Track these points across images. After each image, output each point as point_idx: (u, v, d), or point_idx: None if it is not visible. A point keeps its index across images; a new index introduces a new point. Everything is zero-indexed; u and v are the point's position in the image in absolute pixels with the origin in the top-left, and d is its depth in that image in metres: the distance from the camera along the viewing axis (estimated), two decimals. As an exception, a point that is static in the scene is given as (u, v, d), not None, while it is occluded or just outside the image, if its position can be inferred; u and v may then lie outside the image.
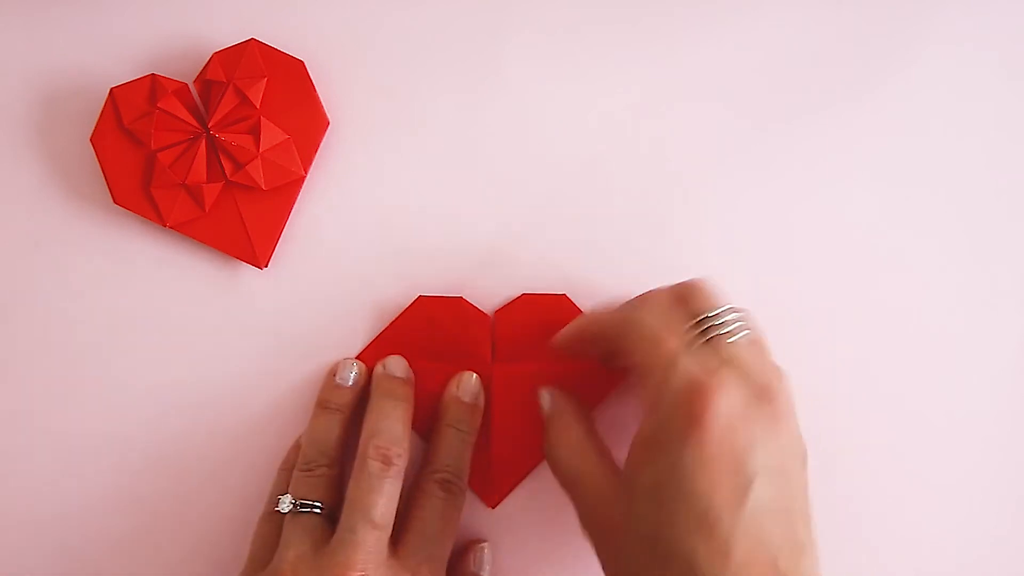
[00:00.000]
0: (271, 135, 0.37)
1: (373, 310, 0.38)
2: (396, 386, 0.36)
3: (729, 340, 0.30)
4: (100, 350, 0.38)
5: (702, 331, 0.30)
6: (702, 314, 0.31)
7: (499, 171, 0.39)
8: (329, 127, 0.38)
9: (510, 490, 0.38)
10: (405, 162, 0.39)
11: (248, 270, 0.38)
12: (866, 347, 0.39)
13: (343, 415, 0.36)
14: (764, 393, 0.29)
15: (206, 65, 0.37)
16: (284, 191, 0.38)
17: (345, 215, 0.39)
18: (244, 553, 0.35)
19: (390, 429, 0.34)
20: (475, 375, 0.37)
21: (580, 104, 0.39)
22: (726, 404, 0.28)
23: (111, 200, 0.37)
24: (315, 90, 0.38)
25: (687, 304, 0.32)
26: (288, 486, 0.35)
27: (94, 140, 0.37)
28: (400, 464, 0.33)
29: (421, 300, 0.38)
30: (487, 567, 0.37)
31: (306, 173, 0.38)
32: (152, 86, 0.37)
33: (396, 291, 0.38)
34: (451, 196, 0.39)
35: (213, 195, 0.37)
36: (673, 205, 0.39)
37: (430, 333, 0.38)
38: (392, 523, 0.33)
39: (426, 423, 0.37)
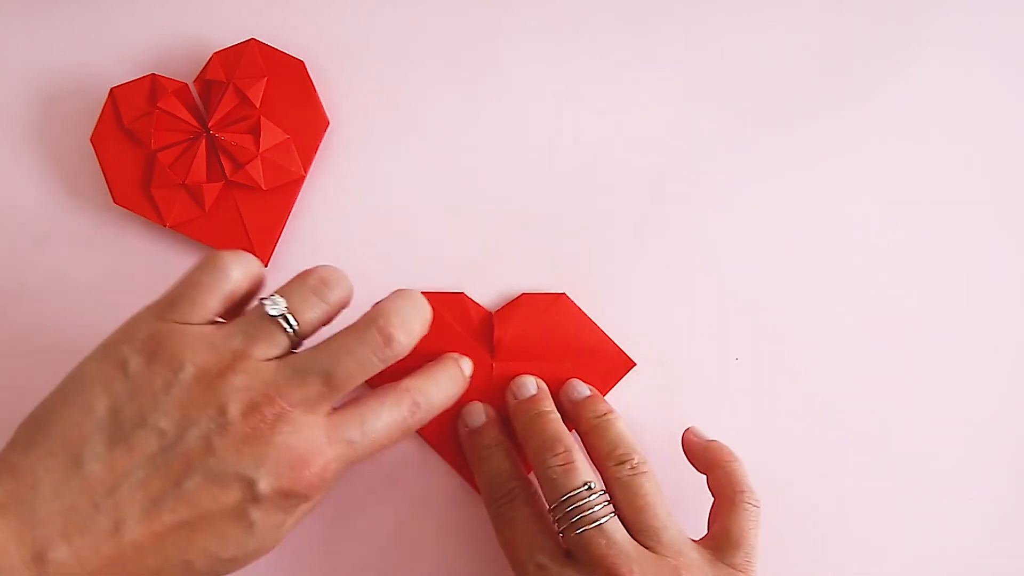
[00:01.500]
0: (271, 135, 0.37)
1: (373, 310, 0.38)
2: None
3: (581, 531, 0.31)
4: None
5: (560, 519, 0.32)
6: (558, 498, 0.32)
7: (499, 171, 0.39)
8: (329, 127, 0.38)
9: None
10: (405, 162, 0.39)
11: (248, 270, 0.38)
12: (866, 347, 0.39)
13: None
14: None
15: (206, 65, 0.37)
16: (284, 191, 0.38)
17: (345, 215, 0.39)
18: None
19: (408, 318, 0.31)
20: None
21: (580, 104, 0.39)
22: None
23: (111, 200, 0.37)
24: (315, 90, 0.38)
25: (547, 472, 0.33)
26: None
27: (94, 140, 0.37)
28: (402, 347, 0.31)
29: (421, 298, 0.38)
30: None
31: (306, 173, 0.38)
32: (152, 86, 0.37)
33: (396, 291, 0.38)
34: (451, 196, 0.39)
35: (213, 195, 0.37)
36: (673, 205, 0.39)
37: (431, 331, 0.37)
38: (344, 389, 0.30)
39: (430, 426, 0.37)
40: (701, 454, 0.35)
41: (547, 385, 0.37)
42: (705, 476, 0.35)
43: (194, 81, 0.38)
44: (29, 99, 0.39)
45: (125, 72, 0.38)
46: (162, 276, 0.38)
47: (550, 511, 0.33)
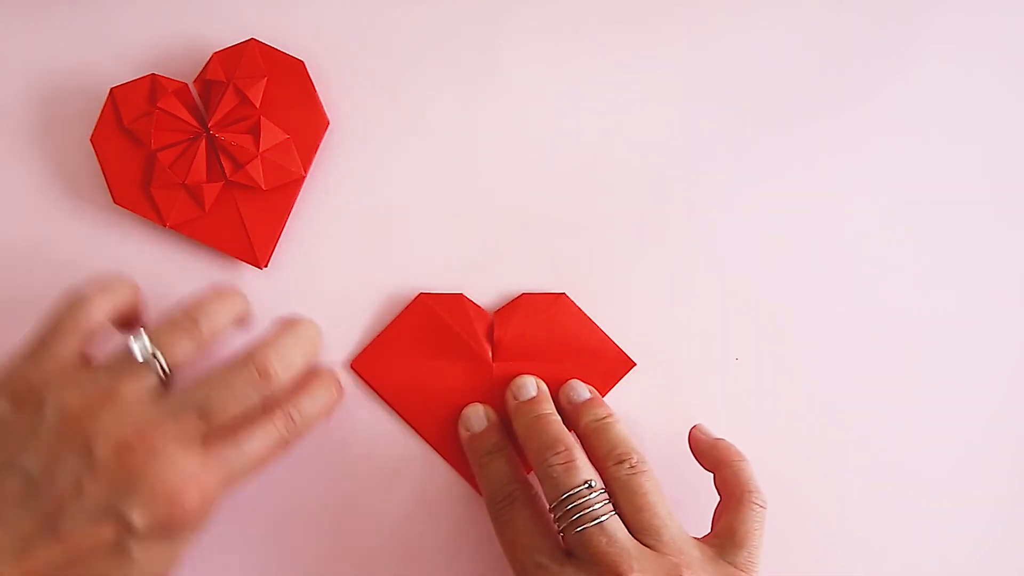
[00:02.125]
0: (271, 135, 0.37)
1: (373, 310, 0.38)
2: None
3: (581, 528, 0.32)
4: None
5: (560, 517, 0.32)
6: (559, 497, 0.32)
7: (499, 171, 0.39)
8: (329, 127, 0.38)
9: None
10: (405, 162, 0.39)
11: (248, 270, 0.38)
12: (865, 347, 0.39)
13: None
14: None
15: (206, 65, 0.37)
16: (284, 191, 0.38)
17: (345, 215, 0.39)
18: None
19: (287, 354, 0.32)
20: None
21: (580, 104, 0.39)
22: None
23: (111, 200, 0.37)
24: (315, 90, 0.38)
25: (548, 472, 0.33)
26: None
27: (94, 140, 0.37)
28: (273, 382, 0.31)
29: (422, 297, 0.38)
30: None
31: (306, 173, 0.38)
32: (152, 86, 0.37)
33: (396, 291, 0.38)
34: (451, 196, 0.39)
35: (213, 195, 0.37)
36: (672, 205, 0.39)
37: (431, 332, 0.38)
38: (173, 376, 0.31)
39: (432, 427, 0.37)
40: (708, 452, 0.35)
41: (547, 385, 0.37)
42: (712, 474, 0.35)
43: (194, 81, 0.38)
44: (29, 99, 0.39)
45: (125, 72, 0.38)
46: (162, 276, 0.38)
47: (551, 510, 0.33)
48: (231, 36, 0.38)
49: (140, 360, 0.30)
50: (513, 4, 0.39)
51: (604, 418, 0.35)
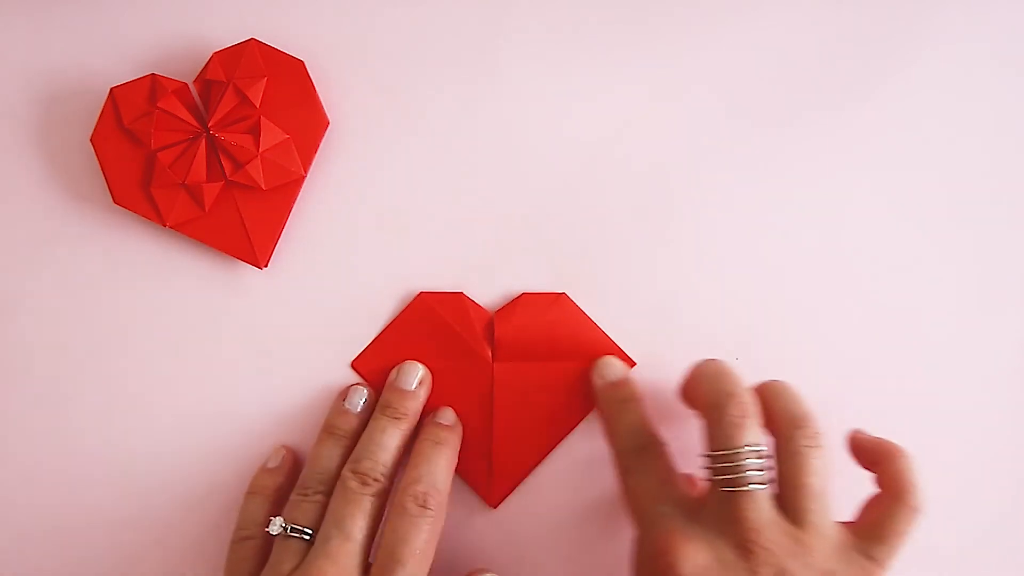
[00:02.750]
0: (271, 135, 0.37)
1: (373, 309, 0.38)
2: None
3: (730, 489, 0.31)
4: (100, 350, 0.38)
5: (715, 469, 0.32)
6: (721, 449, 0.32)
7: (499, 171, 0.39)
8: (329, 127, 0.38)
9: (511, 490, 0.38)
10: (405, 162, 0.39)
11: (248, 270, 0.38)
12: (866, 347, 0.39)
13: (348, 442, 0.36)
14: (741, 549, 0.30)
15: (206, 65, 0.37)
16: (284, 191, 0.38)
17: (345, 215, 0.39)
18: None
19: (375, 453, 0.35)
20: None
21: (580, 104, 0.39)
22: (691, 565, 0.30)
23: (111, 200, 0.37)
24: (315, 90, 0.38)
25: (719, 421, 0.32)
26: (261, 511, 0.36)
27: (94, 140, 0.37)
28: (380, 483, 0.34)
29: (422, 297, 0.38)
30: None
31: (306, 173, 0.38)
32: (152, 86, 0.37)
33: (396, 291, 0.38)
34: (451, 196, 0.39)
35: (213, 195, 0.37)
36: (672, 204, 0.39)
37: (431, 331, 0.38)
38: (369, 538, 0.33)
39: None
40: (870, 448, 0.34)
41: (547, 385, 0.37)
42: (871, 472, 0.34)
43: (194, 81, 0.38)
44: (29, 99, 0.39)
45: (125, 72, 0.38)
46: (162, 276, 0.38)
47: (708, 457, 0.32)
48: (231, 36, 0.38)
49: (280, 538, 0.34)
50: (513, 4, 0.39)
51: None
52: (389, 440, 0.35)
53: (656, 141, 0.39)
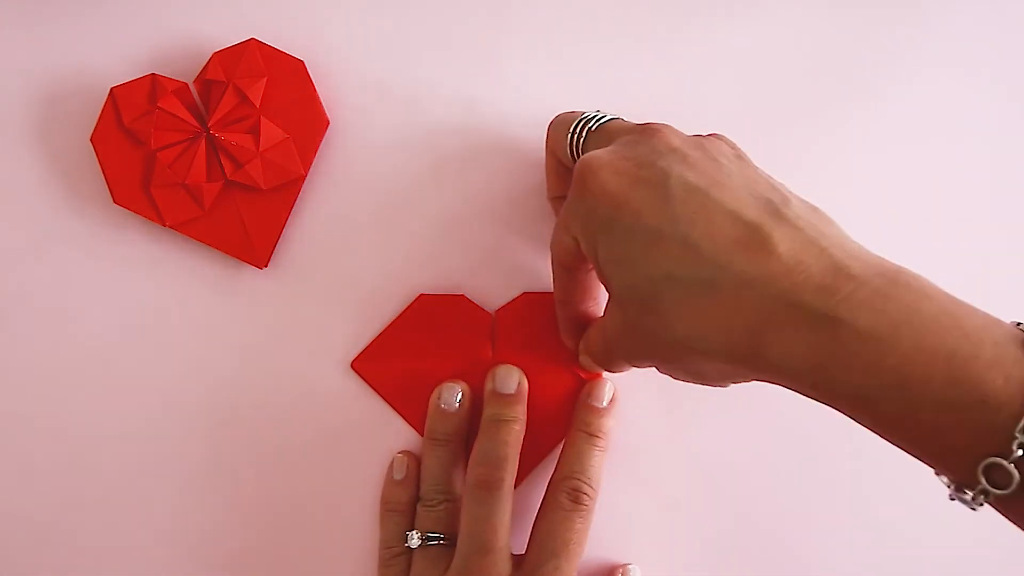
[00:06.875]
0: (271, 135, 0.37)
1: (373, 310, 0.38)
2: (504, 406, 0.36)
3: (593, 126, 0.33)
4: (100, 349, 0.38)
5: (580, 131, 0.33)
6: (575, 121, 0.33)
7: (499, 170, 0.39)
8: (329, 127, 0.38)
9: (516, 485, 0.38)
10: (405, 162, 0.39)
11: (248, 270, 0.38)
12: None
13: (453, 445, 0.36)
14: (642, 129, 0.31)
15: (206, 65, 0.37)
16: (284, 191, 0.38)
17: (345, 215, 0.39)
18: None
19: (494, 451, 0.35)
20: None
21: (580, 103, 0.39)
22: (595, 156, 0.30)
23: (111, 200, 0.37)
24: (315, 90, 0.38)
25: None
26: (400, 527, 0.36)
27: (94, 140, 0.37)
28: (508, 483, 0.34)
29: (422, 298, 0.38)
30: None
31: (306, 173, 0.38)
32: (152, 86, 0.37)
33: (396, 291, 0.38)
34: (451, 196, 0.39)
35: (213, 195, 0.37)
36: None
37: (431, 332, 0.38)
38: (507, 540, 0.34)
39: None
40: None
41: (547, 385, 0.37)
42: None
43: (194, 81, 0.38)
44: (29, 99, 0.39)
45: (125, 72, 0.38)
46: (162, 276, 0.38)
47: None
48: (231, 36, 0.38)
49: (419, 550, 0.36)
50: (513, 3, 0.39)
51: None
52: (510, 439, 0.35)
53: (656, 141, 0.39)
